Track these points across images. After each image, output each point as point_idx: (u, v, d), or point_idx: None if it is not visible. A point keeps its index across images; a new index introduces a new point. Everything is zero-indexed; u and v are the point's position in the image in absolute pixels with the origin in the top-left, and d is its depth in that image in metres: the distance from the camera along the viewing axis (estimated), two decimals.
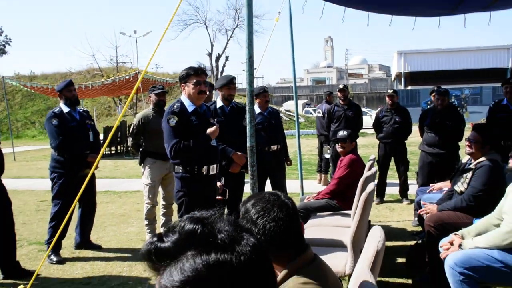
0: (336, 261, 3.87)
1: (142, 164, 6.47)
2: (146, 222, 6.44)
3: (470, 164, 4.99)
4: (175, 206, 6.66)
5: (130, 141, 6.53)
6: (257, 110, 6.75)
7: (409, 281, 4.89)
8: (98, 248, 6.24)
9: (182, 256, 0.97)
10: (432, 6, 6.54)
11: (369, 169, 5.66)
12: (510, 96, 7.02)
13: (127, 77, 16.42)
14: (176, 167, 4.32)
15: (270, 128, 6.62)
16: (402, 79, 44.19)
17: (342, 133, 6.07)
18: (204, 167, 4.30)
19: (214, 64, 32.38)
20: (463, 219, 4.51)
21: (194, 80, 4.24)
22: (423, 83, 41.24)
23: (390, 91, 8.76)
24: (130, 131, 6.48)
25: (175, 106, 4.25)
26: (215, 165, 4.44)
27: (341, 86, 9.26)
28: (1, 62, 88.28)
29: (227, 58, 33.59)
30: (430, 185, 6.38)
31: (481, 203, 4.49)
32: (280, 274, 1.82)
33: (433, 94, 8.13)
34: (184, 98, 4.33)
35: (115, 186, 11.42)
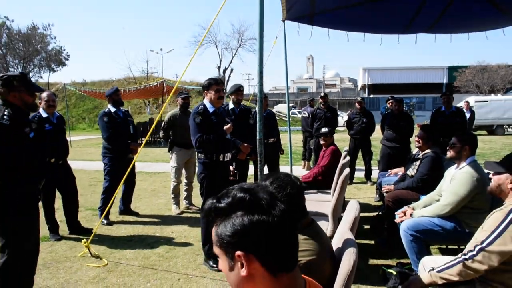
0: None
1: (170, 151, 6.56)
2: (172, 196, 6.54)
3: (419, 155, 5.10)
4: (194, 184, 6.83)
5: (162, 133, 6.60)
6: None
7: (372, 242, 4.99)
8: (136, 214, 6.30)
9: (234, 214, 1.08)
10: (388, 29, 6.60)
11: (344, 158, 5.76)
12: (446, 105, 7.13)
13: (155, 84, 16.44)
14: (199, 154, 4.34)
15: (268, 125, 6.70)
16: (366, 89, 44.21)
17: (324, 129, 6.15)
18: (221, 155, 4.36)
19: (221, 75, 32.47)
20: (413, 195, 4.62)
21: (216, 88, 4.32)
22: (382, 93, 41.24)
23: (359, 98, 8.86)
24: (162, 126, 6.54)
25: (200, 108, 4.29)
26: (229, 153, 4.50)
27: (322, 94, 9.30)
28: (60, 72, 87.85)
29: (232, 70, 33.86)
30: (389, 170, 6.47)
31: (426, 184, 4.62)
32: None
33: (390, 101, 8.24)
34: (206, 102, 4.37)
35: (146, 168, 11.44)
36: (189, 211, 6.57)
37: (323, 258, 1.86)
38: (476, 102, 21.00)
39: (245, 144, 5.35)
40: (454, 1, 5.47)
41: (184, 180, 6.65)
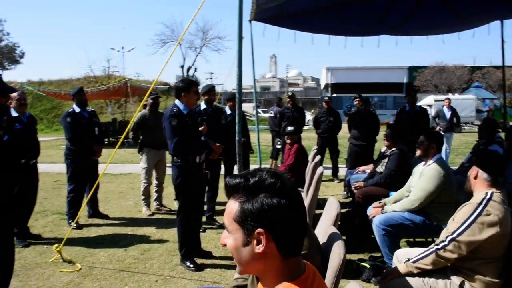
0: None
1: (140, 152, 6.52)
2: (143, 197, 6.51)
3: (386, 152, 5.32)
4: (165, 185, 6.82)
5: (131, 134, 6.54)
6: (228, 111, 6.90)
7: (344, 237, 5.13)
8: (106, 217, 6.22)
9: (262, 194, 1.18)
10: (354, 32, 6.80)
11: (314, 157, 5.91)
12: (411, 104, 7.43)
13: (119, 84, 16.15)
14: (175, 158, 4.28)
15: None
16: (329, 88, 44.99)
17: (290, 128, 6.32)
18: (197, 157, 4.37)
19: (185, 74, 32.25)
20: (382, 191, 4.83)
21: (195, 90, 4.32)
22: (344, 92, 42.06)
23: (326, 98, 9.09)
24: (131, 127, 6.48)
25: (174, 110, 4.21)
26: (203, 155, 4.53)
27: (290, 93, 9.45)
28: (15, 71, 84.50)
29: (195, 69, 33.70)
30: (356, 168, 6.67)
31: (394, 179, 4.84)
32: None
33: (356, 100, 8.48)
34: (178, 103, 4.28)
35: (111, 169, 11.22)
36: (160, 212, 6.55)
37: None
38: (435, 101, 21.87)
39: (217, 144, 5.39)
40: (419, 8, 5.72)
41: (154, 181, 6.62)
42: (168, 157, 6.76)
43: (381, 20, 6.12)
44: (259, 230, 1.17)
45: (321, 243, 2.14)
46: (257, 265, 1.21)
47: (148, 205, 6.49)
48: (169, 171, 6.77)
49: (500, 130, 6.43)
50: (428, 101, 26.33)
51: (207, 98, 5.77)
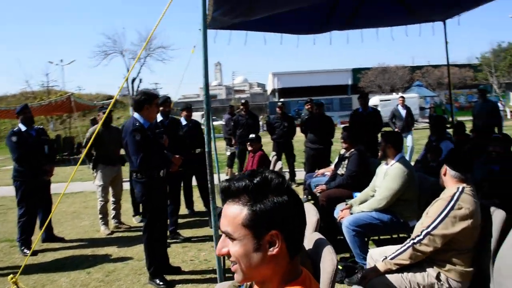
0: None
1: (94, 170, 6.29)
2: (100, 216, 6.28)
3: (346, 154, 5.46)
4: (122, 201, 6.61)
5: (84, 151, 6.28)
6: (184, 122, 6.84)
7: None
8: (62, 240, 5.94)
9: (271, 194, 1.16)
10: (306, 29, 6.84)
11: (275, 163, 5.97)
12: (363, 106, 7.68)
13: (62, 99, 15.50)
14: (138, 174, 4.15)
15: (194, 135, 6.73)
16: (276, 93, 45.60)
17: (252, 135, 6.32)
18: (161, 171, 4.29)
19: (130, 85, 31.55)
20: (345, 193, 4.96)
21: (156, 102, 4.24)
22: (291, 96, 42.84)
23: (279, 103, 9.19)
24: (84, 143, 6.25)
25: (137, 124, 4.09)
26: (166, 169, 4.44)
27: (243, 101, 9.50)
28: None
29: (140, 80, 32.93)
30: (316, 171, 6.79)
31: (355, 180, 4.98)
32: None
33: (308, 104, 8.68)
34: (138, 116, 4.17)
35: (60, 189, 10.71)
36: (119, 230, 6.34)
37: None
38: (381, 101, 22.75)
39: (177, 156, 5.31)
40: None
41: (111, 199, 6.40)
42: (125, 172, 6.64)
43: (331, 14, 6.19)
44: (273, 231, 1.15)
45: (307, 249, 2.15)
46: (265, 269, 1.18)
47: (106, 223, 6.26)
48: (125, 186, 6.65)
49: (448, 126, 6.78)
50: (374, 102, 27.32)
51: (163, 109, 5.68)
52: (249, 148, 6.26)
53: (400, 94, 25.68)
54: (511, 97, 40.40)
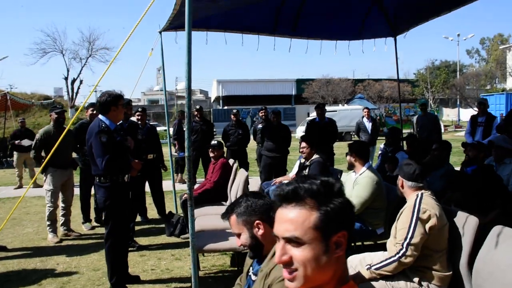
0: (234, 241, 4.07)
1: (44, 173, 5.94)
2: (48, 223, 5.93)
3: (306, 163, 5.58)
4: (72, 207, 6.29)
5: (32, 153, 5.93)
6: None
7: None
8: (4, 249, 5.54)
9: (333, 197, 1.18)
10: (260, 28, 6.87)
11: (236, 171, 5.97)
12: (320, 116, 7.87)
13: None
14: (102, 178, 4.02)
15: (148, 140, 6.60)
16: (221, 101, 45.58)
17: (214, 142, 6.28)
18: (125, 176, 4.16)
19: (70, 86, 30.09)
20: None
21: (123, 103, 4.13)
22: (235, 104, 42.93)
23: (234, 111, 9.21)
24: (33, 145, 5.90)
25: (103, 126, 3.95)
26: (132, 173, 4.30)
27: (197, 107, 9.41)
28: None
29: (81, 81, 31.53)
30: (273, 179, 6.85)
31: None
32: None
33: (262, 111, 8.78)
34: (103, 118, 4.03)
35: None
36: (69, 238, 6.02)
37: None
38: (327, 112, 23.47)
39: (136, 161, 5.17)
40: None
41: (61, 204, 6.07)
42: (76, 177, 6.34)
43: (278, 16, 6.28)
44: (343, 231, 1.18)
45: None
46: (328, 272, 1.19)
47: (54, 231, 5.92)
48: (76, 191, 6.35)
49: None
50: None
51: (125, 112, 5.50)
52: (211, 155, 6.19)
53: (346, 106, 26.61)
54: (443, 112, 43.27)
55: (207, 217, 5.01)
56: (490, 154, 5.17)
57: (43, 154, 5.94)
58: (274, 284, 1.80)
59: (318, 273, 1.17)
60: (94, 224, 6.70)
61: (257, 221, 2.01)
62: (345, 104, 30.78)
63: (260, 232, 2.01)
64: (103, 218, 4.54)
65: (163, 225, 6.43)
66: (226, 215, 2.12)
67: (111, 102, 4.00)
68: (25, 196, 9.32)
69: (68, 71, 30.83)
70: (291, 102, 43.91)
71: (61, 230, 6.09)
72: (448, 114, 43.35)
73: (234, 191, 5.39)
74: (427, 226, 2.74)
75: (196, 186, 6.71)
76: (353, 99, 33.93)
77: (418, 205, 2.80)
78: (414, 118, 9.44)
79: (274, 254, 1.93)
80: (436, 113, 32.95)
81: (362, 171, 4.08)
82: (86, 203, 6.58)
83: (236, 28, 6.69)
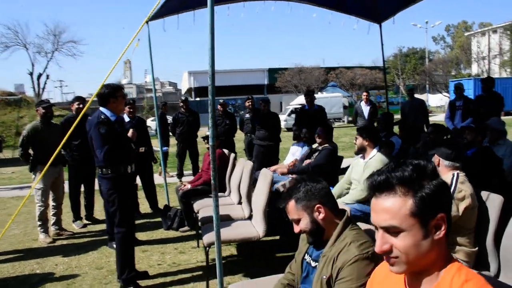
0: (247, 230, 4.03)
1: (33, 171, 5.72)
2: (39, 223, 5.70)
3: (318, 147, 5.55)
4: (64, 205, 6.09)
5: (20, 151, 5.68)
6: (127, 118, 6.53)
7: (277, 237, 5.23)
8: None
9: (424, 181, 1.18)
10: None
11: (234, 161, 5.90)
12: (310, 104, 7.86)
13: None
14: (104, 169, 3.93)
15: (138, 133, 6.43)
16: (193, 92, 45.13)
17: (207, 133, 6.18)
18: (128, 166, 4.06)
19: (36, 82, 29.03)
20: None
21: (122, 94, 4.05)
22: (207, 96, 42.54)
23: (221, 101, 9.11)
24: (20, 142, 5.65)
25: (102, 117, 3.89)
26: (134, 164, 4.21)
27: (183, 98, 9.27)
28: None
29: (47, 76, 30.41)
30: (268, 168, 6.81)
31: (320, 172, 5.08)
32: (338, 226, 1.97)
33: (249, 101, 8.70)
34: (104, 110, 3.97)
35: None
36: (62, 237, 5.83)
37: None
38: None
39: (132, 130, 5.08)
40: None
41: (51, 203, 5.86)
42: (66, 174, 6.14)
43: None
44: (440, 214, 1.17)
45: None
46: (432, 255, 1.18)
47: (46, 231, 5.71)
48: (66, 188, 6.15)
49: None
50: (299, 101, 28.37)
51: None
52: (206, 146, 6.09)
53: (325, 93, 26.80)
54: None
55: (210, 209, 4.91)
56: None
57: (30, 151, 5.71)
58: (345, 267, 1.78)
59: (420, 258, 1.17)
60: (85, 221, 6.51)
61: (318, 205, 1.98)
62: (319, 93, 31.01)
63: (321, 216, 1.98)
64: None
65: (157, 219, 6.32)
66: (283, 202, 2.07)
67: (110, 94, 3.98)
68: (3, 196, 9.09)
69: (33, 65, 29.75)
70: (263, 92, 43.90)
71: (52, 229, 5.89)
72: None
73: (235, 181, 5.33)
74: (461, 205, 2.79)
75: (190, 179, 6.63)
76: (326, 87, 34.25)
77: (455, 184, 2.85)
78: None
79: (337, 238, 1.92)
80: (407, 99, 33.71)
81: (372, 155, 4.10)
82: (76, 200, 6.38)
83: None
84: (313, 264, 2.06)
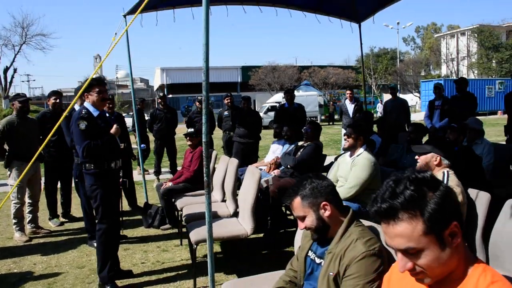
0: (235, 228, 4.02)
1: (8, 167, 5.53)
2: (15, 221, 5.51)
3: (304, 144, 5.57)
4: (40, 202, 5.92)
5: None
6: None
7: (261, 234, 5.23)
8: None
9: (429, 193, 1.19)
10: None
11: (215, 159, 5.87)
12: (290, 101, 7.90)
13: None
14: (87, 165, 3.82)
15: None
16: (165, 89, 44.62)
17: (191, 129, 6.14)
18: (112, 162, 3.97)
19: (2, 76, 27.97)
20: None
21: (97, 89, 3.90)
22: (180, 92, 42.40)
23: (199, 97, 9.03)
24: None
25: (83, 112, 3.80)
26: (119, 160, 4.12)
27: (161, 94, 9.14)
28: None
29: (15, 70, 29.37)
30: (249, 166, 6.81)
31: (303, 167, 5.15)
32: (344, 223, 1.98)
33: (228, 98, 8.65)
34: (88, 105, 3.88)
35: None
36: (38, 236, 5.66)
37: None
38: (282, 98, 23.83)
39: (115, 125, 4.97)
40: None
41: (27, 200, 5.68)
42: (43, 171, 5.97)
43: None
44: (453, 222, 1.18)
45: None
46: (452, 261, 1.20)
47: (22, 229, 5.53)
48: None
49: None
50: (276, 98, 28.52)
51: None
52: (188, 143, 6.04)
53: (301, 92, 26.93)
54: (384, 98, 45.14)
55: (193, 206, 4.89)
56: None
57: (5, 147, 5.52)
58: (352, 264, 1.80)
59: (443, 267, 1.20)
60: (62, 219, 6.35)
61: (324, 202, 1.98)
62: (301, 91, 31.23)
63: (327, 213, 1.99)
64: (95, 211, 4.27)
65: (137, 217, 6.24)
66: (289, 198, 2.06)
67: (85, 89, 3.88)
68: None
69: None
70: (236, 90, 43.82)
71: (28, 227, 5.72)
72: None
73: (219, 179, 5.31)
74: None
75: (167, 177, 6.55)
76: (299, 85, 34.44)
77: (446, 181, 2.90)
78: (380, 103, 9.75)
79: (342, 234, 1.93)
80: (379, 98, 34.43)
81: (359, 153, 4.13)
82: (52, 197, 6.22)
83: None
84: (317, 261, 2.07)
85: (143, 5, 2.92)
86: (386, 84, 37.28)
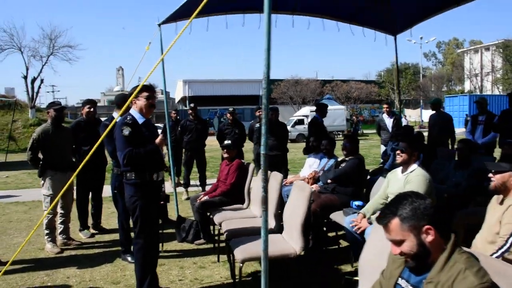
0: (282, 246, 3.79)
1: (42, 177, 5.41)
2: (47, 232, 5.36)
3: (345, 158, 5.35)
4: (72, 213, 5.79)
5: (29, 155, 5.36)
6: None
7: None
8: None
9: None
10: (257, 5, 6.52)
11: (252, 172, 5.66)
12: (321, 115, 7.70)
13: None
14: (128, 174, 3.67)
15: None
16: (187, 101, 44.84)
17: (227, 142, 5.95)
18: (154, 174, 3.79)
19: (30, 86, 28.41)
20: (336, 201, 4.89)
21: (146, 95, 3.74)
22: (202, 105, 42.44)
23: (231, 109, 8.84)
24: (30, 146, 5.34)
25: (128, 118, 3.66)
26: (162, 172, 3.94)
27: (192, 105, 8.96)
28: None
29: (42, 81, 29.82)
30: (284, 180, 6.58)
31: (344, 182, 5.05)
32: (446, 250, 1.73)
33: (259, 111, 8.45)
34: (134, 112, 3.74)
35: None
36: (69, 247, 5.50)
37: None
38: (311, 111, 23.64)
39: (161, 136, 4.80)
40: None
41: (59, 211, 5.55)
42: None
43: None
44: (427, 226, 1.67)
45: None
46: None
47: (53, 240, 5.38)
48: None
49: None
50: (304, 112, 28.35)
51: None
52: (225, 156, 5.85)
53: (329, 106, 26.79)
54: (405, 113, 44.61)
55: (233, 222, 4.68)
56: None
57: (40, 155, 5.41)
58: None
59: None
60: (93, 231, 6.20)
61: (427, 227, 1.73)
62: (311, 105, 31.07)
63: (429, 238, 1.73)
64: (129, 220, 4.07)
65: (169, 230, 6.03)
66: (385, 219, 1.82)
67: (131, 94, 3.72)
68: (1, 202, 8.71)
69: (27, 69, 29.14)
70: (258, 103, 43.77)
71: (59, 239, 5.57)
72: (410, 115, 44.69)
73: (259, 193, 5.07)
74: None
75: (196, 189, 6.36)
76: (321, 99, 34.21)
77: None
78: (404, 118, 9.39)
79: (445, 262, 1.68)
80: (403, 114, 33.90)
81: (413, 169, 3.87)
82: (83, 208, 6.08)
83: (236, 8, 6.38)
84: None
85: (198, 9, 2.74)
86: (409, 99, 36.78)
